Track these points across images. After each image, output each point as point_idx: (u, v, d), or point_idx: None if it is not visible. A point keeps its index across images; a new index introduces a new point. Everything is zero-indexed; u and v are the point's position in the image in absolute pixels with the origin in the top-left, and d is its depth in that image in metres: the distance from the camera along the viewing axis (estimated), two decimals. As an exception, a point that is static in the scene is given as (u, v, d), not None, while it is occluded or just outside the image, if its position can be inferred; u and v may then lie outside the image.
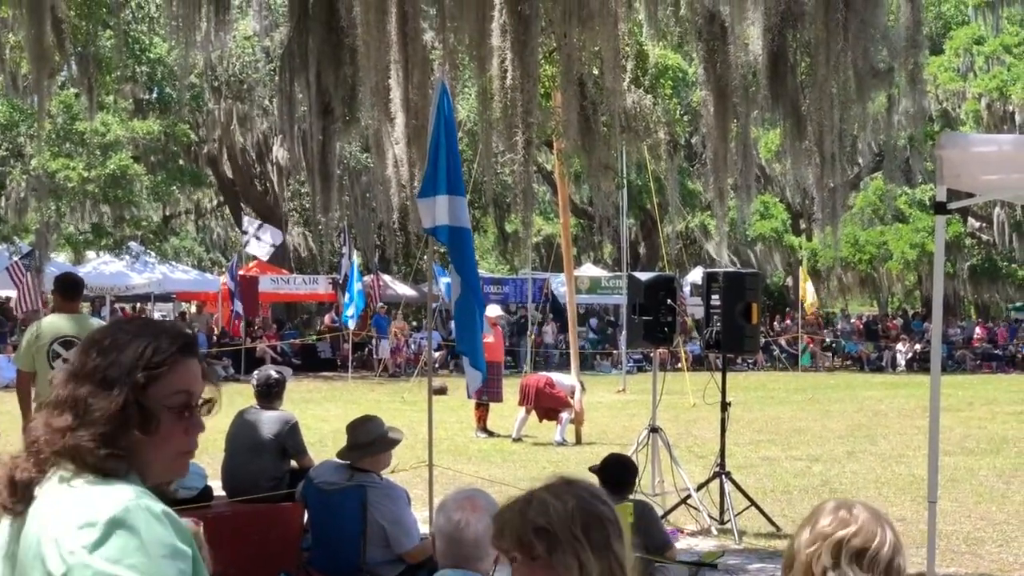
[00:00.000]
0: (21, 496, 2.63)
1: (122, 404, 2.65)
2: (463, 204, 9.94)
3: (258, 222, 39.50)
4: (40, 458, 2.63)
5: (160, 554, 2.51)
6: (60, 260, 37.54)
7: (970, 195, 8.26)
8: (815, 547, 3.23)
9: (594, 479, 7.67)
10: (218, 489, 9.90)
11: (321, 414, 22.72)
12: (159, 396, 2.69)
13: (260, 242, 38.91)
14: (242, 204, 44.60)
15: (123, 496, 2.55)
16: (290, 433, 9.71)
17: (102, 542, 2.48)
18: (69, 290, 10.63)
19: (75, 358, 2.73)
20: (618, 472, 8.55)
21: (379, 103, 11.32)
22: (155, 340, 2.73)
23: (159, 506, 2.59)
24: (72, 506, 2.55)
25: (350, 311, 34.63)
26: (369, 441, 8.20)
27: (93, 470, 2.61)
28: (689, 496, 12.62)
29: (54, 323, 10.39)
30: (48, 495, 2.60)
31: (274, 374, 10.14)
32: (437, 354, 36.34)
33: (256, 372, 10.73)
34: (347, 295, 34.75)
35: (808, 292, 43.51)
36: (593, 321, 47.25)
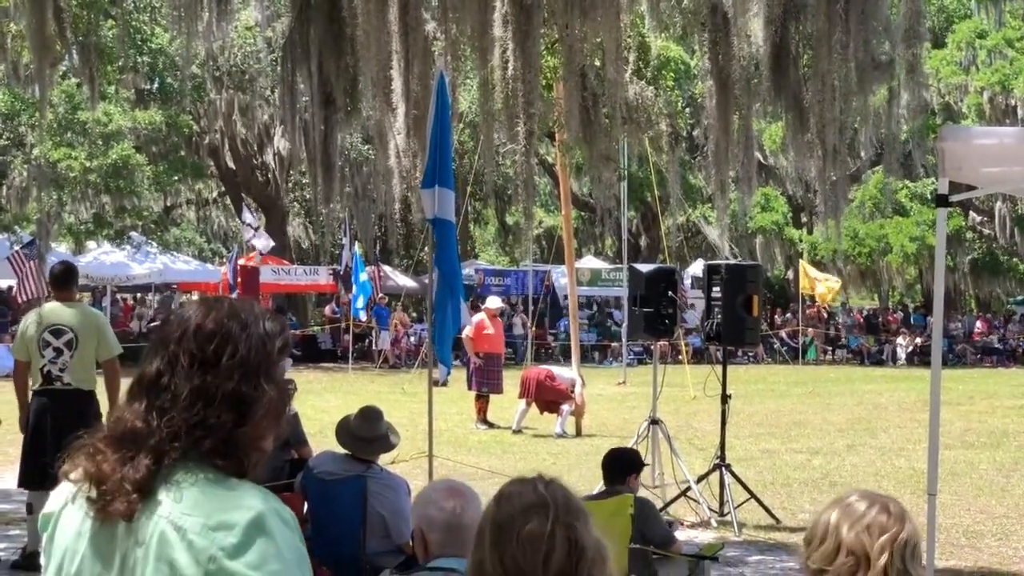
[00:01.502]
0: (145, 497, 2.47)
1: (277, 396, 2.61)
2: (449, 197, 9.92)
3: (257, 223, 39.30)
4: (172, 457, 2.49)
5: (294, 560, 2.46)
6: (61, 250, 37.49)
7: (971, 188, 8.25)
8: (887, 555, 3.26)
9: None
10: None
11: (321, 405, 22.71)
12: (280, 381, 2.66)
13: (258, 237, 38.86)
14: (243, 195, 44.58)
15: (256, 499, 2.48)
16: (289, 424, 9.71)
17: (243, 547, 2.40)
18: (61, 280, 10.60)
19: (192, 345, 2.56)
20: (608, 465, 8.57)
21: (380, 93, 11.32)
22: (268, 324, 2.66)
23: (286, 510, 2.53)
24: (204, 507, 2.45)
25: (359, 302, 34.60)
26: (371, 437, 8.23)
27: (236, 470, 2.53)
28: (689, 488, 12.62)
29: (47, 312, 10.39)
30: (170, 494, 2.47)
31: None
32: (438, 345, 36.27)
33: None
34: (354, 286, 34.73)
35: (817, 283, 42.89)
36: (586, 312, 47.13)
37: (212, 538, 2.41)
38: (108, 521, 2.51)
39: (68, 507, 2.62)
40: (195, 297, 42.92)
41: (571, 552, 2.83)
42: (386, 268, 43.65)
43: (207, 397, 2.52)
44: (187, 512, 2.44)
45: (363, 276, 34.28)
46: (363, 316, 35.83)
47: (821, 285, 42.01)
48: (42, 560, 2.70)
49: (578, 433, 19.70)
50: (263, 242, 37.94)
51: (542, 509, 2.86)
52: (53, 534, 2.65)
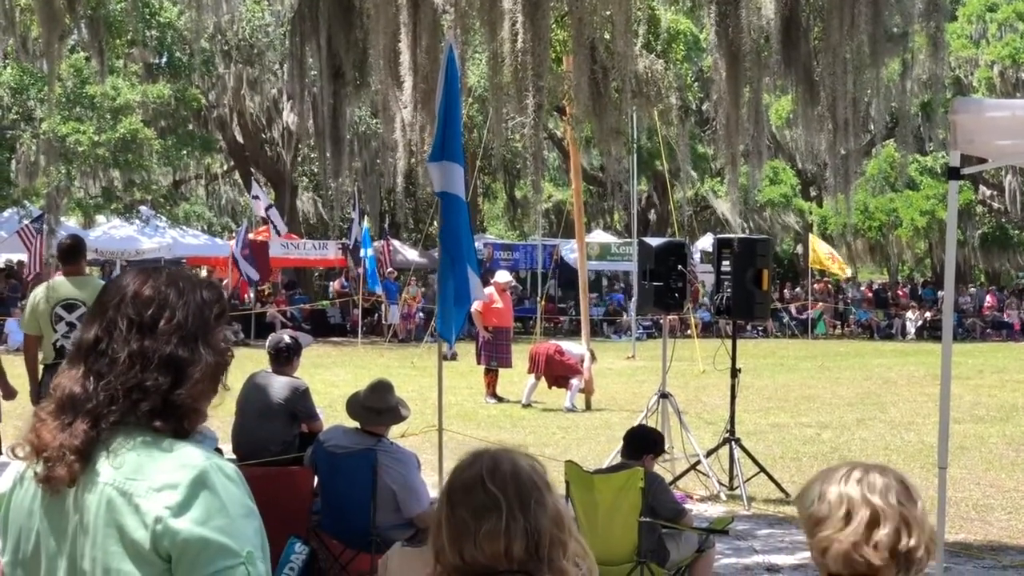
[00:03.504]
0: (85, 461, 2.51)
1: (215, 361, 2.64)
2: (456, 171, 9.83)
3: (266, 200, 39.36)
4: (110, 421, 2.53)
5: (240, 514, 2.49)
6: (71, 224, 37.55)
7: (983, 160, 8.21)
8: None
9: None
10: (228, 452, 9.90)
11: (331, 379, 22.74)
12: (218, 347, 2.69)
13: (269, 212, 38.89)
14: (252, 169, 44.56)
15: (197, 457, 2.51)
16: (299, 399, 9.72)
17: (187, 505, 2.44)
18: (69, 254, 10.56)
19: (130, 311, 2.61)
20: (628, 439, 8.63)
21: (387, 67, 11.28)
22: (205, 292, 2.70)
23: (229, 466, 2.56)
24: (147, 470, 2.48)
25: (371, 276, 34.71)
26: (381, 408, 8.25)
27: (175, 431, 2.56)
28: (699, 462, 12.63)
29: (57, 287, 10.36)
30: (111, 459, 2.51)
31: (287, 339, 10.15)
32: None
33: (271, 336, 10.81)
34: (365, 261, 34.82)
35: (825, 256, 42.46)
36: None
37: (157, 499, 2.45)
38: (56, 492, 2.54)
39: (17, 488, 2.66)
40: (204, 271, 43.05)
41: (529, 541, 2.87)
42: (395, 242, 43.61)
43: (144, 360, 2.56)
44: (131, 477, 2.48)
45: (369, 252, 34.33)
46: (378, 290, 35.91)
47: (831, 259, 41.82)
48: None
49: (587, 407, 19.71)
50: (272, 217, 37.93)
51: (495, 508, 2.88)
52: (6, 515, 2.68)
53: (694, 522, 8.65)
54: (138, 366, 2.55)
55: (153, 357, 2.56)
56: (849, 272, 42.48)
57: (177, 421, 2.57)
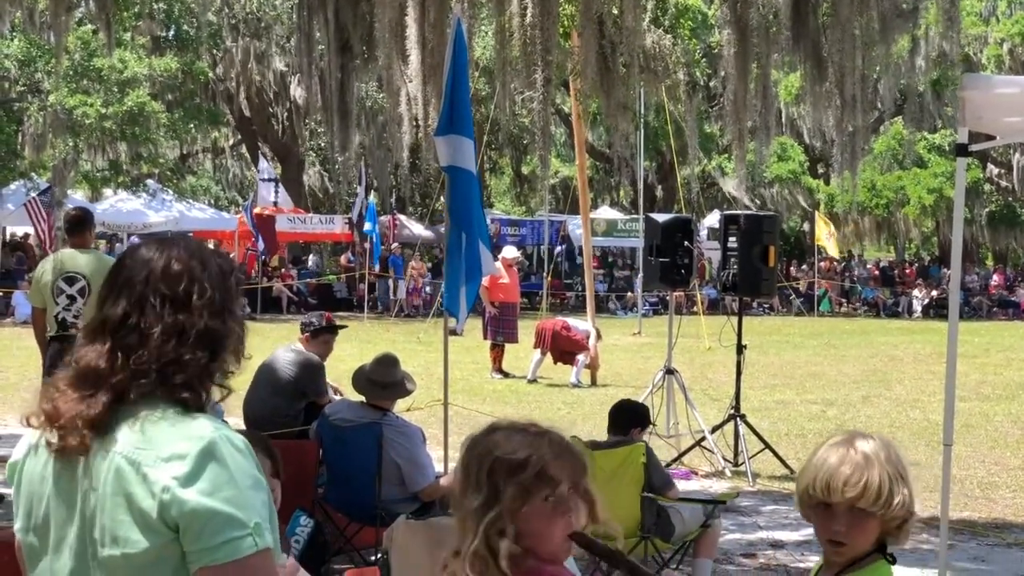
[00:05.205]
0: (100, 432, 2.52)
1: (240, 330, 2.66)
2: (466, 145, 9.77)
3: (272, 175, 39.38)
4: (135, 394, 2.54)
5: (247, 485, 2.50)
6: (77, 197, 37.55)
7: (991, 138, 8.19)
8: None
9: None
10: (239, 424, 9.91)
11: (337, 354, 22.37)
12: (240, 318, 2.71)
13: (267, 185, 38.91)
14: (259, 143, 44.51)
15: (206, 428, 2.52)
16: (308, 376, 9.77)
17: (195, 475, 2.44)
18: (75, 225, 10.55)
19: (163, 286, 2.61)
20: (614, 414, 8.62)
21: (393, 40, 11.25)
22: (220, 260, 2.71)
23: (238, 437, 2.57)
24: (156, 440, 2.49)
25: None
26: (387, 382, 8.26)
27: (196, 403, 2.57)
28: (703, 438, 12.63)
29: (60, 259, 10.37)
30: (128, 430, 2.52)
31: (315, 321, 10.33)
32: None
33: (310, 312, 11.07)
34: (371, 236, 34.83)
35: (827, 242, 42.29)
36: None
37: (165, 469, 2.45)
38: (67, 460, 2.56)
39: (31, 455, 2.67)
40: (211, 245, 42.97)
41: None
42: (401, 217, 43.59)
43: (181, 335, 2.57)
44: (141, 447, 2.49)
45: (377, 228, 34.37)
46: (378, 266, 35.95)
47: (830, 240, 41.61)
48: (14, 509, 2.73)
49: (593, 383, 19.71)
50: (268, 194, 37.93)
51: None
52: (20, 481, 2.70)
53: (698, 497, 8.66)
54: (174, 340, 2.56)
55: (190, 332, 2.58)
56: (833, 250, 42.07)
57: (200, 394, 2.59)
